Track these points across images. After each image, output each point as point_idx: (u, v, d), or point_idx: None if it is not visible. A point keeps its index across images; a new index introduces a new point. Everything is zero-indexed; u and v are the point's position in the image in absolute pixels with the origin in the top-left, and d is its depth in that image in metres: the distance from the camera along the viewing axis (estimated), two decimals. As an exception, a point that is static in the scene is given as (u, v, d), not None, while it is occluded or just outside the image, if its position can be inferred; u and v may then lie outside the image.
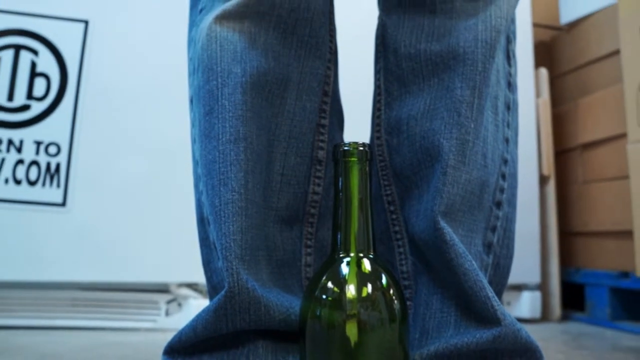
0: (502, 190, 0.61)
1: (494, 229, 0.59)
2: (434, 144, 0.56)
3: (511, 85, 0.64)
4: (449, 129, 0.55)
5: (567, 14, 1.63)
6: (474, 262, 0.52)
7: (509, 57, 0.64)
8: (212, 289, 0.57)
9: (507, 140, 0.62)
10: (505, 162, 0.62)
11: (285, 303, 0.52)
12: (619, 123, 1.36)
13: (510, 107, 0.64)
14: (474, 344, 0.50)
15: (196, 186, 0.59)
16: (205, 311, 0.52)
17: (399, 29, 0.64)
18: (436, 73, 0.59)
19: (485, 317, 0.51)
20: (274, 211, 0.57)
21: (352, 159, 0.47)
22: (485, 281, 0.52)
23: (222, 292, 0.50)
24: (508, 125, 0.63)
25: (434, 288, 0.56)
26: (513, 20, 0.64)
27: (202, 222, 0.58)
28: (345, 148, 0.48)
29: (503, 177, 0.61)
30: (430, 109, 0.58)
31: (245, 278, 0.50)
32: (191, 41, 0.61)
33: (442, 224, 0.53)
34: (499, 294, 0.61)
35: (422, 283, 0.57)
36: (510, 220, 0.62)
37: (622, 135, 1.34)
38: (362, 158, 0.48)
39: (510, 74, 0.64)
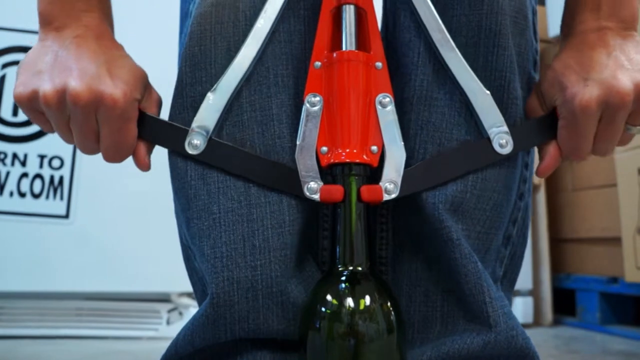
0: (524, 181, 0.56)
1: (515, 221, 0.55)
2: (435, 142, 0.51)
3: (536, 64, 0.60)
4: (450, 128, 0.51)
5: (555, 28, 1.64)
6: (478, 264, 0.49)
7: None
8: (193, 284, 0.56)
9: None
10: (528, 151, 0.56)
11: (288, 313, 0.50)
12: (606, 133, 1.38)
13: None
14: (465, 350, 0.49)
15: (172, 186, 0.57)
16: (203, 323, 0.49)
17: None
18: (430, 50, 0.51)
19: (477, 319, 0.49)
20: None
21: (352, 174, 0.47)
22: (486, 284, 0.49)
23: (221, 301, 0.48)
24: None
25: (416, 280, 0.53)
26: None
27: (179, 219, 0.56)
28: (345, 163, 0.47)
29: (526, 166, 0.56)
30: (426, 95, 0.51)
31: (246, 287, 0.48)
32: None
33: (450, 222, 0.49)
34: (513, 281, 0.57)
35: (402, 272, 0.54)
36: (529, 208, 0.58)
37: (609, 145, 1.37)
38: (361, 173, 0.47)
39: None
